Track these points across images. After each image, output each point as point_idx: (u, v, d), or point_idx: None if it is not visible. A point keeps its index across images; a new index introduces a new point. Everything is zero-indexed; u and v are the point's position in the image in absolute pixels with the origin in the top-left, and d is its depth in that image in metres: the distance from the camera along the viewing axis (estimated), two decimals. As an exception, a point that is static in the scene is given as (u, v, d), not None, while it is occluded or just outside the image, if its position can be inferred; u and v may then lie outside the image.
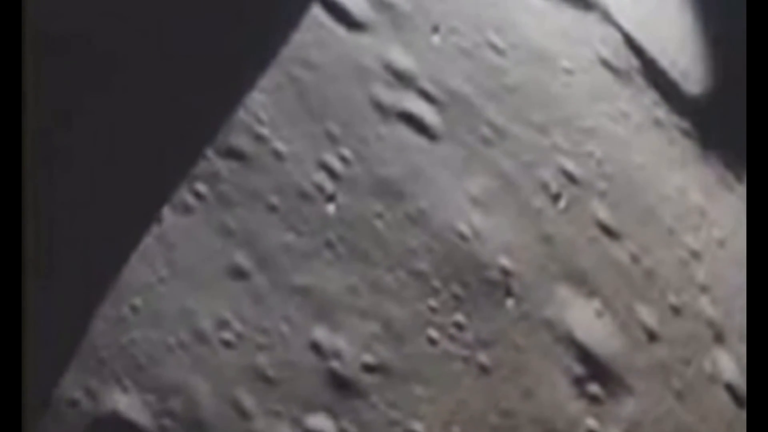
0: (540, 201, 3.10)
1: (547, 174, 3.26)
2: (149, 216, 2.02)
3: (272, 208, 2.24)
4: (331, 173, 2.46)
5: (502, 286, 2.69)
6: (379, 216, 2.49)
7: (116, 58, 2.26)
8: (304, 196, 2.34)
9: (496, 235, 2.81)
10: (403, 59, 3.08)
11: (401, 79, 2.99)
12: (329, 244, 2.28)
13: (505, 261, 2.77)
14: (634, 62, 4.71)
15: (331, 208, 2.37)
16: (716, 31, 5.70)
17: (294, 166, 2.38)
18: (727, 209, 4.26)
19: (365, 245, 2.37)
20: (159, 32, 2.43)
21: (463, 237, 2.70)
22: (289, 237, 2.21)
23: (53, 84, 2.07)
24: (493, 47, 3.57)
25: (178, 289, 1.92)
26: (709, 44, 5.55)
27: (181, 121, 2.29)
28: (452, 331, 2.40)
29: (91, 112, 2.10)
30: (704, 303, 3.62)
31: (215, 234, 2.06)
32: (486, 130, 3.12)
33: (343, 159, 2.53)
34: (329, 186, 2.42)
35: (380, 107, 2.80)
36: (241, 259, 2.07)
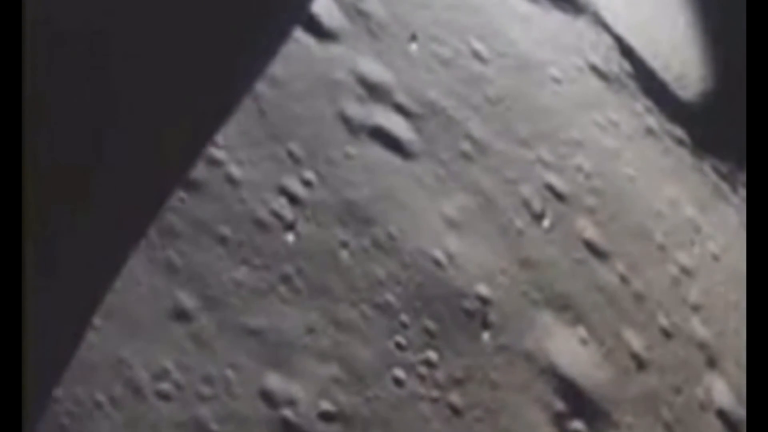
0: (522, 221, 2.91)
1: (531, 191, 3.06)
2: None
3: (222, 240, 2.04)
4: (292, 199, 2.26)
5: (479, 316, 2.50)
6: (344, 245, 2.29)
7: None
8: (259, 225, 2.14)
9: (474, 261, 2.61)
10: (377, 71, 2.88)
11: (375, 92, 2.79)
12: (286, 279, 2.08)
13: (482, 288, 2.57)
14: (626, 67, 4.50)
15: (289, 237, 2.17)
16: (713, 33, 5.49)
17: (250, 193, 2.18)
18: (722, 222, 4.06)
19: (327, 278, 2.18)
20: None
21: (437, 264, 2.50)
22: (241, 272, 2.01)
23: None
24: (476, 56, 3.37)
25: (111, 337, 1.73)
26: (706, 47, 5.35)
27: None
28: (421, 369, 2.21)
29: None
30: (696, 324, 3.43)
31: (156, 272, 1.87)
32: (466, 145, 2.92)
33: (306, 183, 2.33)
34: (289, 213, 2.22)
35: (350, 124, 2.60)
36: (185, 299, 1.87)
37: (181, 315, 1.86)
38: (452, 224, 2.63)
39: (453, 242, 2.59)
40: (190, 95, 2.27)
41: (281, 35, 2.69)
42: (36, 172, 1.79)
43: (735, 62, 5.38)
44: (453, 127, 2.94)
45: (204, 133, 2.17)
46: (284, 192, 2.26)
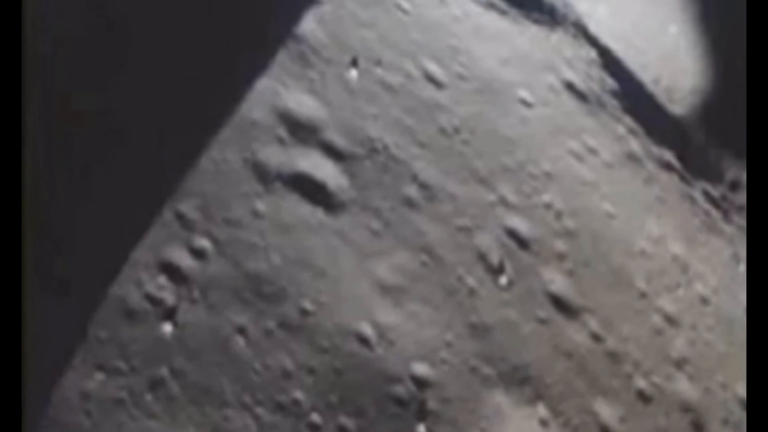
0: (475, 278, 2.46)
1: (488, 240, 2.61)
2: None
3: (76, 340, 1.61)
4: (176, 276, 1.82)
5: (414, 404, 2.06)
6: (241, 331, 1.85)
7: None
8: (128, 315, 1.70)
9: (411, 334, 2.17)
10: (306, 105, 2.43)
11: (300, 131, 2.35)
12: (156, 384, 1.65)
13: (420, 368, 2.13)
14: (609, 83, 4.04)
15: (167, 329, 1.73)
16: (707, 40, 5.02)
17: (121, 273, 1.74)
18: (712, 257, 3.61)
19: (213, 378, 1.74)
20: None
21: (363, 342, 2.06)
22: (94, 381, 1.58)
23: None
24: (431, 80, 2.92)
25: None
26: (699, 55, 4.88)
27: None
28: (332, 487, 1.77)
29: None
30: (680, 381, 2.98)
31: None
32: (410, 190, 2.48)
33: (198, 253, 1.89)
34: (170, 296, 1.78)
35: (263, 173, 2.16)
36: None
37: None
38: (386, 290, 2.19)
39: (385, 313, 2.15)
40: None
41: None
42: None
43: (730, 72, 4.92)
44: (395, 168, 2.50)
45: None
46: (167, 268, 1.82)
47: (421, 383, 2.10)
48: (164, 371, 1.67)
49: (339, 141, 2.40)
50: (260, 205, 2.08)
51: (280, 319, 1.92)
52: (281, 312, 1.94)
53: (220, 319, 1.83)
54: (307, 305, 2.00)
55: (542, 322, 2.56)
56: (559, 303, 2.68)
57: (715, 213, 3.97)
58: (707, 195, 4.02)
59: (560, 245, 2.87)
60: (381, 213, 2.33)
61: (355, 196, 2.30)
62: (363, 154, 2.43)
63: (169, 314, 1.75)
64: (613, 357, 2.73)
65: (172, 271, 1.82)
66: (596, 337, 2.72)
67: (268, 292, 1.95)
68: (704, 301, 3.38)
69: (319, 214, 2.17)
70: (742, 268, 3.84)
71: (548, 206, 2.96)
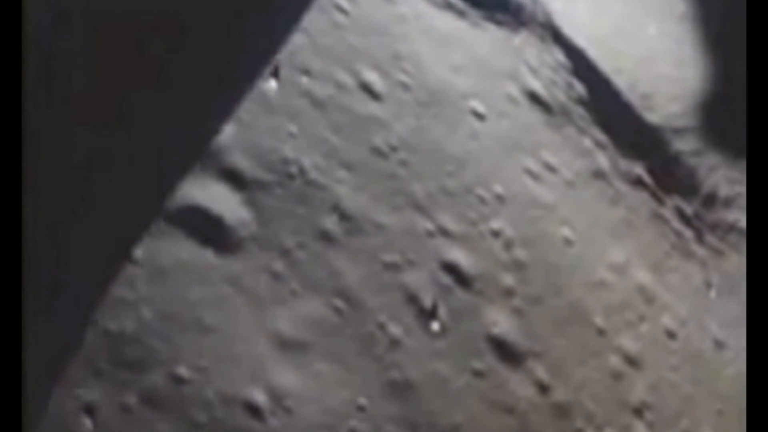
0: (401, 325, 2.12)
1: (422, 278, 2.27)
2: None
3: None
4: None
5: (311, 487, 1.72)
6: (89, 410, 1.50)
7: None
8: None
9: (315, 398, 1.83)
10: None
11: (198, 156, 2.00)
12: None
13: (323, 441, 1.79)
14: (578, 90, 3.69)
15: (-17, 414, 1.39)
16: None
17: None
18: (682, 285, 3.28)
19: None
20: None
21: (253, 413, 1.72)
22: None
23: None
24: (367, 92, 2.57)
25: None
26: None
27: None
28: None
29: None
30: (640, 432, 2.66)
31: None
32: (328, 222, 2.13)
33: (41, 312, 1.55)
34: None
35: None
36: None
37: None
38: (286, 347, 1.84)
39: (284, 375, 1.80)
40: None
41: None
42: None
43: (713, 76, 4.57)
44: (313, 196, 2.15)
45: None
46: None
47: (322, 459, 1.77)
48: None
49: (244, 165, 2.05)
50: (133, 250, 1.73)
51: (145, 392, 1.58)
52: (147, 382, 1.60)
53: (62, 396, 1.48)
54: (183, 371, 1.66)
55: (479, 374, 2.22)
56: (502, 349, 2.35)
57: (687, 233, 3.63)
58: (680, 213, 3.69)
59: (508, 280, 2.53)
60: (288, 252, 1.98)
61: (257, 231, 1.95)
62: (273, 181, 2.08)
63: None
64: (562, 410, 2.40)
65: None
66: (543, 387, 2.39)
67: (132, 358, 1.60)
68: (670, 335, 3.05)
69: (209, 255, 1.82)
70: (714, 294, 3.51)
71: (496, 234, 2.62)
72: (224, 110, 2.11)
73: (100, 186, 1.79)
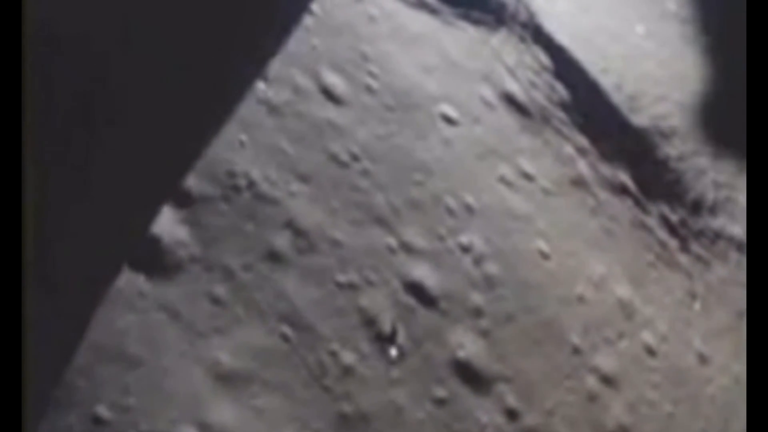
0: (354, 353, 1.97)
1: (381, 299, 2.11)
2: None
3: None
4: None
5: None
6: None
7: None
8: None
9: (255, 437, 1.68)
10: (148, 132, 1.92)
11: (133, 168, 1.84)
12: None
13: (262, 484, 1.64)
14: (559, 93, 3.53)
15: None
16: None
17: None
18: (664, 298, 3.13)
19: None
20: None
21: (183, 455, 1.57)
22: None
23: None
24: (329, 96, 2.41)
25: None
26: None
27: None
28: None
29: None
30: (616, 458, 2.51)
31: None
32: (279, 240, 1.97)
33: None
34: None
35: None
36: None
37: None
38: (224, 380, 1.69)
39: (220, 411, 1.65)
40: None
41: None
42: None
43: (702, 76, 4.42)
44: (263, 211, 1.99)
45: None
46: None
47: (260, 504, 1.61)
48: None
49: (186, 179, 1.89)
50: (51, 275, 1.57)
51: (56, 437, 1.42)
52: (62, 425, 1.44)
53: (-44, 446, 1.32)
54: (103, 412, 1.50)
55: (440, 402, 2.07)
56: (467, 374, 2.20)
57: (671, 242, 3.48)
58: (664, 220, 3.54)
59: (477, 298, 2.38)
60: (232, 274, 1.82)
61: (197, 253, 1.79)
62: (218, 195, 1.92)
63: None
64: (531, 438, 2.25)
65: None
66: (511, 414, 2.24)
67: (47, 399, 1.45)
68: (650, 352, 2.90)
69: (140, 281, 1.66)
70: (698, 306, 3.36)
71: (466, 249, 2.46)
72: (166, 119, 1.95)
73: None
